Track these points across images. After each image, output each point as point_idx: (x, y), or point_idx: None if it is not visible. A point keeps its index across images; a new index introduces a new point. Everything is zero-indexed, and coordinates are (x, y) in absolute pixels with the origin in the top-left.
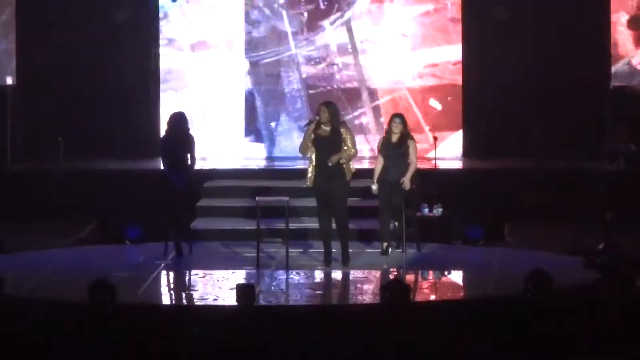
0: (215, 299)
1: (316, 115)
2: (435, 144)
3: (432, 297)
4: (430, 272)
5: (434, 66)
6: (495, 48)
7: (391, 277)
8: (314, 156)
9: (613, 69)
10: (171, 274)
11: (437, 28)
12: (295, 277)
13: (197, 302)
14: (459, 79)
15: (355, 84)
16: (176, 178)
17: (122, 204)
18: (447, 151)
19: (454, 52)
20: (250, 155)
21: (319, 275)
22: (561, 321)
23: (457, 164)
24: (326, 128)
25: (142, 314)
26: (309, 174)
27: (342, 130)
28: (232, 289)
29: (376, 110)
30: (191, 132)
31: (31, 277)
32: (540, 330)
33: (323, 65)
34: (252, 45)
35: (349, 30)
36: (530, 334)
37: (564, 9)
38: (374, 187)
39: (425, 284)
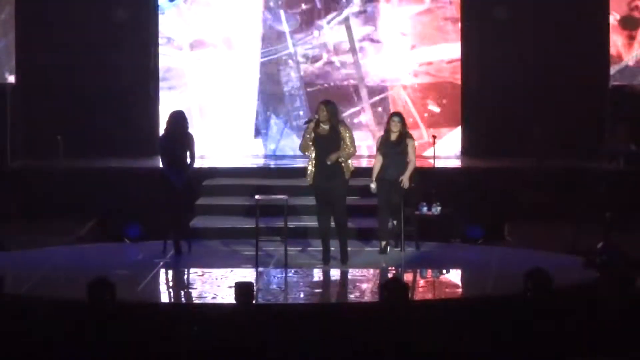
0: (214, 298)
1: (315, 114)
2: (434, 142)
3: (431, 296)
4: (429, 271)
5: (431, 64)
6: (495, 47)
7: (390, 275)
8: (313, 154)
9: (616, 67)
10: (170, 273)
11: (435, 27)
12: (294, 275)
13: (196, 301)
14: (456, 77)
15: (352, 82)
16: (175, 177)
17: (121, 203)
18: (445, 149)
19: (452, 50)
20: (249, 154)
21: (317, 273)
22: (561, 321)
23: (456, 163)
24: (325, 126)
25: (141, 313)
26: (309, 172)
27: (341, 128)
28: (230, 287)
29: (374, 108)
30: (190, 130)
31: (31, 276)
32: (540, 329)
33: (321, 63)
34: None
35: (348, 28)
36: (530, 334)
37: (563, 9)
38: (373, 185)
39: (424, 283)
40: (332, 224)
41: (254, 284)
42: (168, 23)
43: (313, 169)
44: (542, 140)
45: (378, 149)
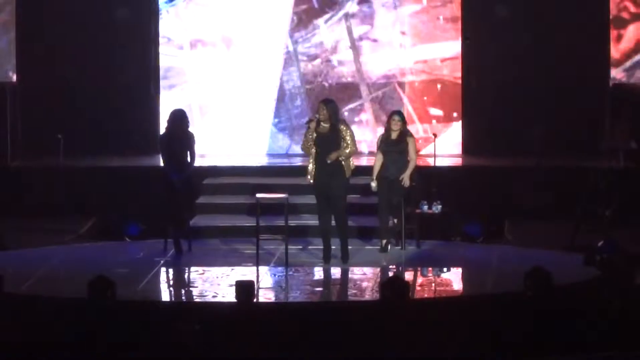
0: (214, 296)
1: (316, 114)
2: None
3: (432, 295)
4: (430, 270)
5: (429, 63)
6: (495, 45)
7: (390, 274)
8: (314, 153)
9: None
10: (171, 271)
11: (433, 25)
12: (295, 274)
13: (197, 299)
14: (454, 75)
15: (350, 80)
16: (176, 175)
17: (121, 201)
18: (442, 146)
19: (451, 49)
20: (250, 152)
21: (318, 272)
22: (561, 318)
23: (457, 161)
24: (326, 125)
25: (141, 311)
26: (309, 171)
27: (341, 127)
28: (231, 285)
29: (373, 106)
30: (191, 129)
31: (31, 274)
32: (540, 327)
33: (319, 61)
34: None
35: (348, 27)
36: (530, 331)
37: (563, 7)
38: (374, 184)
39: (424, 282)
40: (333, 222)
41: (255, 283)
42: (167, 23)
43: (314, 168)
44: (542, 138)
45: (379, 148)
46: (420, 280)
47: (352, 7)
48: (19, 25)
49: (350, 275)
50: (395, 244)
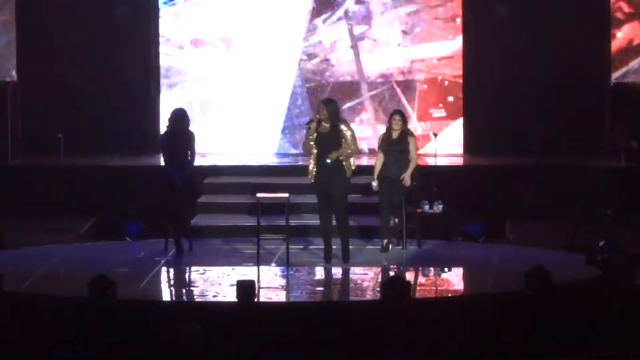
0: (215, 296)
1: (316, 114)
2: (435, 139)
3: (432, 294)
4: (431, 269)
5: (428, 62)
6: (495, 44)
7: (391, 273)
8: (315, 153)
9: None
10: (171, 271)
11: (432, 24)
12: (296, 273)
13: (198, 299)
14: (454, 74)
15: (349, 78)
16: (176, 174)
17: (122, 201)
18: (443, 146)
19: (452, 48)
20: (251, 151)
21: (319, 272)
22: (561, 318)
23: (458, 161)
24: (326, 125)
25: (142, 311)
26: (310, 170)
27: (341, 127)
28: (232, 285)
29: (373, 105)
30: (191, 128)
31: (31, 273)
32: (540, 327)
33: (317, 60)
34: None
35: (348, 25)
36: (530, 331)
37: (564, 5)
38: (374, 183)
39: (425, 281)
40: (334, 222)
41: (256, 282)
42: (167, 22)
43: (315, 167)
44: (543, 137)
45: (379, 147)
46: (421, 280)
47: (351, 6)
48: (19, 25)
49: (351, 275)
50: (396, 243)
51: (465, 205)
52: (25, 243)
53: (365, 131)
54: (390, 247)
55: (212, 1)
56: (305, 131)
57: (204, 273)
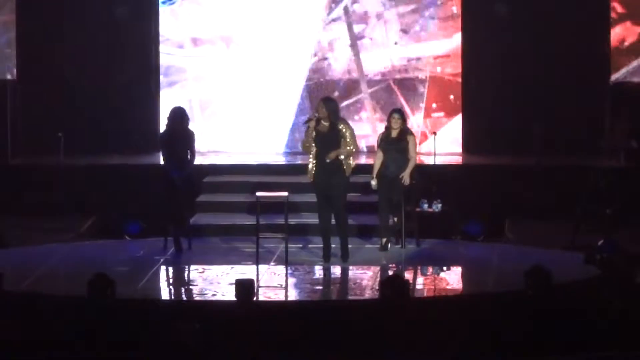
0: (214, 294)
1: (315, 112)
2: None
3: (432, 293)
4: (430, 268)
5: (428, 60)
6: (495, 44)
7: (390, 273)
8: (314, 151)
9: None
10: (170, 269)
11: (433, 23)
12: (295, 272)
13: (197, 298)
14: (453, 73)
15: (347, 76)
16: (176, 173)
17: (121, 200)
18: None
19: (451, 47)
20: (250, 150)
21: (318, 270)
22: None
23: (457, 160)
24: (325, 124)
25: (141, 310)
26: (310, 169)
27: (340, 126)
28: (231, 284)
29: (372, 103)
30: (191, 127)
31: (31, 273)
32: (540, 326)
33: (316, 59)
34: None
35: (348, 24)
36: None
37: (563, 4)
38: (374, 182)
39: (424, 280)
40: (333, 220)
41: (255, 281)
42: (166, 21)
43: (314, 166)
44: (542, 137)
45: (379, 146)
46: (420, 279)
47: (350, 4)
48: (19, 24)
49: (350, 274)
50: (395, 242)
51: (465, 204)
52: (25, 242)
53: (364, 129)
54: (389, 246)
55: (207, 1)
56: (305, 130)
57: (203, 272)
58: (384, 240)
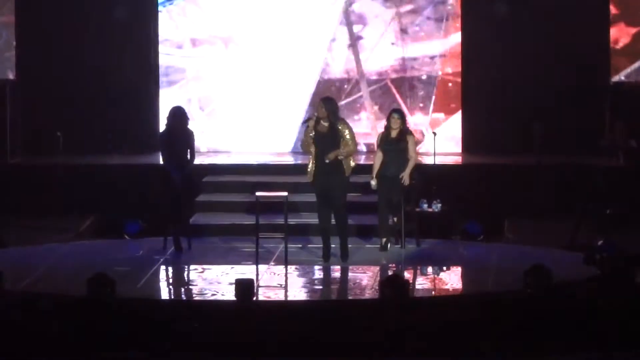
0: (214, 294)
1: (314, 112)
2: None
3: (431, 293)
4: (429, 268)
5: (427, 59)
6: (495, 43)
7: (390, 272)
8: (314, 152)
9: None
10: (170, 269)
11: (433, 21)
12: (294, 272)
13: (196, 297)
14: (450, 71)
15: (345, 76)
16: (175, 173)
17: (121, 199)
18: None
19: (451, 46)
20: (250, 150)
21: (317, 270)
22: (561, 316)
23: (457, 160)
24: (325, 124)
25: (141, 309)
26: (309, 169)
27: (340, 126)
28: (231, 284)
29: (370, 103)
30: (190, 126)
31: (31, 272)
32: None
33: (315, 58)
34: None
35: (347, 23)
36: (530, 330)
37: (563, 4)
38: (373, 182)
39: (424, 280)
40: (333, 220)
41: (254, 281)
42: (166, 21)
43: (313, 166)
44: (542, 136)
45: (378, 146)
46: (419, 279)
47: (349, 4)
48: (19, 24)
49: (349, 274)
50: (395, 242)
51: (464, 204)
52: (24, 242)
53: (363, 128)
54: (389, 246)
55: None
56: (304, 129)
57: (202, 272)
58: (384, 240)
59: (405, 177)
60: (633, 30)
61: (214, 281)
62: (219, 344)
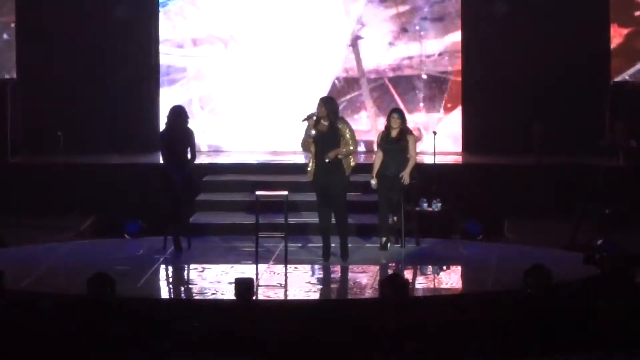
0: (214, 294)
1: (314, 111)
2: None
3: (431, 293)
4: (429, 267)
5: (426, 59)
6: (495, 42)
7: (390, 272)
8: (314, 151)
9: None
10: (170, 268)
11: (432, 21)
12: (294, 271)
13: (196, 297)
14: (452, 71)
15: (345, 75)
16: (176, 172)
17: (121, 198)
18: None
19: (450, 45)
20: (250, 149)
21: (317, 270)
22: (561, 316)
23: (457, 159)
24: (325, 123)
25: (141, 308)
26: (309, 168)
27: (340, 125)
28: (231, 283)
29: (369, 102)
30: (191, 125)
31: (31, 271)
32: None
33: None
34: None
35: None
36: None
37: (564, 4)
38: (373, 181)
39: (424, 279)
40: (333, 220)
41: (254, 280)
42: (166, 21)
43: (313, 165)
44: (542, 136)
45: (378, 145)
46: (419, 278)
47: (349, 3)
48: (19, 23)
49: (349, 273)
50: (395, 241)
51: (464, 203)
52: (25, 241)
53: (363, 127)
54: (388, 245)
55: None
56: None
57: (202, 271)
58: (384, 239)
59: (405, 176)
60: (625, 30)
61: (214, 280)
62: (218, 343)
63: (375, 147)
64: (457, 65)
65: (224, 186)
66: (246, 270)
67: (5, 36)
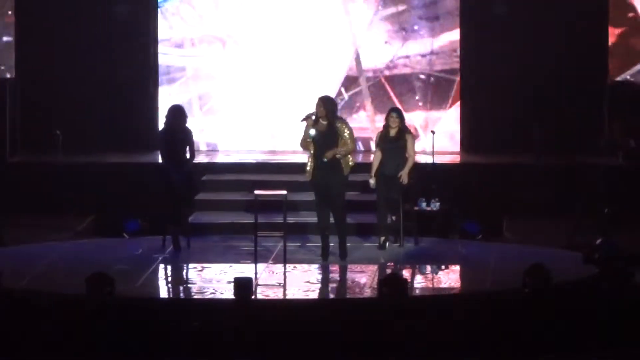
0: (212, 293)
1: (313, 111)
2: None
3: (430, 292)
4: (428, 267)
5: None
6: (494, 42)
7: (388, 271)
8: (312, 150)
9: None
10: (169, 268)
11: (431, 20)
12: (293, 271)
13: (195, 296)
14: (452, 71)
15: (344, 74)
16: (174, 171)
17: (120, 198)
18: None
19: (449, 45)
20: (249, 148)
21: (316, 269)
22: (560, 316)
23: (455, 159)
24: (324, 122)
25: (140, 308)
26: (308, 168)
27: (338, 125)
28: (230, 282)
29: (369, 102)
30: (189, 125)
31: (30, 271)
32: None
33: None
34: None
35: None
36: (529, 329)
37: (563, 4)
38: (372, 181)
39: (422, 279)
40: (332, 219)
41: (253, 280)
42: (165, 20)
43: (312, 165)
44: (541, 135)
45: (377, 145)
46: (418, 277)
47: (349, 3)
48: (19, 22)
49: (348, 273)
50: (394, 241)
51: (463, 203)
52: (23, 240)
53: (362, 126)
54: (387, 244)
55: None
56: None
57: (201, 270)
58: (382, 238)
59: (404, 175)
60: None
61: (213, 280)
62: (217, 343)
63: (373, 147)
64: (456, 64)
65: (223, 185)
66: (245, 269)
67: (4, 36)
